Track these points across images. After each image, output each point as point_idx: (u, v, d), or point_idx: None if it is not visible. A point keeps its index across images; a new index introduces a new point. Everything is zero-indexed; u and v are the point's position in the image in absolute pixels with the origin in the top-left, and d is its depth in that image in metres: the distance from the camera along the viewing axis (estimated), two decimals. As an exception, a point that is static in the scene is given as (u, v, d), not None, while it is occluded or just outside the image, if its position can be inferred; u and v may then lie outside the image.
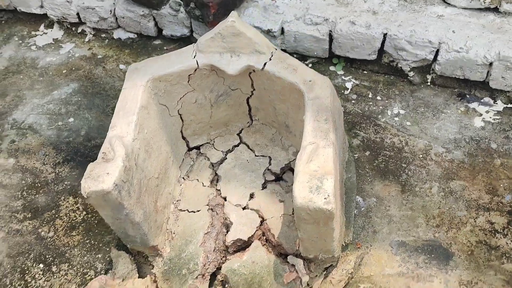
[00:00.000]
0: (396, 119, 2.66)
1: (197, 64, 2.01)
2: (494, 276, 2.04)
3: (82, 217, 2.34)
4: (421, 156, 2.47)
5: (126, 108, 1.85)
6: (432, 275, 2.07)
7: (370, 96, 2.78)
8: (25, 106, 2.89)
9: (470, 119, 2.61)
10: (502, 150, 2.46)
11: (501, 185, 2.32)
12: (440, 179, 2.37)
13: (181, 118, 2.21)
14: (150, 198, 1.90)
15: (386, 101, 2.75)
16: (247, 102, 2.28)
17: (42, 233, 2.31)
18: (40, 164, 2.58)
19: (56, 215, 2.36)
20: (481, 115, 2.63)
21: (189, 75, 2.05)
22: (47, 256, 2.22)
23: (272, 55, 2.00)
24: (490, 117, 2.61)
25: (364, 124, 2.64)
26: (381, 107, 2.72)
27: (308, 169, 1.67)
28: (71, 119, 2.79)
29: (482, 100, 2.70)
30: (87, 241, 2.26)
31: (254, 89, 2.18)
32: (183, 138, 2.30)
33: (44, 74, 3.06)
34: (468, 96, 2.72)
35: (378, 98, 2.77)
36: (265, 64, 1.99)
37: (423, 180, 2.38)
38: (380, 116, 2.68)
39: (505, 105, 2.65)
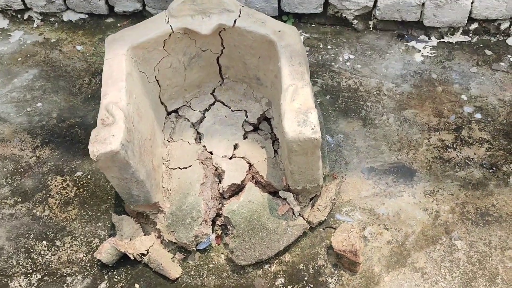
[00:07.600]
0: (348, 64, 2.92)
1: (171, 28, 2.14)
2: (451, 183, 2.38)
3: (73, 192, 2.42)
4: (375, 93, 2.76)
5: (113, 77, 1.96)
6: (401, 191, 2.37)
7: (321, 46, 3.02)
8: (-13, 98, 2.87)
9: (411, 55, 2.93)
10: (441, 78, 2.80)
11: (445, 108, 2.66)
12: (395, 110, 2.67)
13: (158, 83, 2.33)
14: (148, 157, 2.04)
15: (336, 49, 3.00)
16: (217, 62, 2.44)
17: (37, 213, 2.37)
18: (18, 150, 2.60)
19: (47, 195, 2.42)
20: (419, 51, 2.96)
21: (164, 40, 2.18)
22: (48, 233, 2.30)
23: (240, 12, 2.17)
24: (428, 52, 2.95)
25: (321, 72, 2.89)
26: (332, 55, 2.97)
27: (293, 107, 1.88)
28: (39, 104, 2.81)
29: (418, 38, 3.02)
30: (85, 213, 2.35)
31: (224, 48, 2.34)
32: (162, 103, 2.43)
33: (-1, 64, 3.03)
34: (406, 36, 3.04)
35: (329, 47, 3.02)
36: (235, 20, 2.15)
37: (380, 113, 2.67)
38: (333, 63, 2.93)
39: (438, 40, 3.00)
